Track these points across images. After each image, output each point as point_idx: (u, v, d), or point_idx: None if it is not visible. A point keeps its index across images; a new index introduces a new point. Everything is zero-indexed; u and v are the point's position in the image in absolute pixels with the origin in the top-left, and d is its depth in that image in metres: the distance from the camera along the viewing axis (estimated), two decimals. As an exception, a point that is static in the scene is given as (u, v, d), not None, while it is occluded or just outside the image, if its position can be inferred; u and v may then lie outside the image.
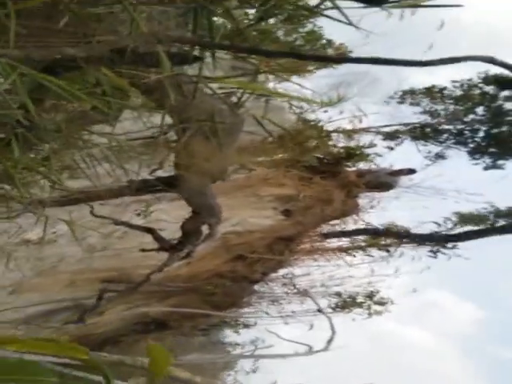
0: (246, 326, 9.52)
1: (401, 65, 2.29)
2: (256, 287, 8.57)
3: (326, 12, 2.31)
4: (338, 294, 8.78)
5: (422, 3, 2.40)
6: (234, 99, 2.82)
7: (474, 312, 13.18)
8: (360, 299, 8.87)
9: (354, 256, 8.77)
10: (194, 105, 2.69)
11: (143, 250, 4.22)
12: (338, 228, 8.68)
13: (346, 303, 8.79)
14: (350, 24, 2.26)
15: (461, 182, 8.89)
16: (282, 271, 8.56)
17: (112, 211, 4.65)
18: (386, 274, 8.55)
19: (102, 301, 4.32)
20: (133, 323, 7.01)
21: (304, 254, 8.19)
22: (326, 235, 8.37)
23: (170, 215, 5.14)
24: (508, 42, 9.26)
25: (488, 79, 8.62)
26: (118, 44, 1.72)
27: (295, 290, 8.36)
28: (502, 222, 9.23)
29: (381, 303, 8.89)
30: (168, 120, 2.82)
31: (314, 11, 2.36)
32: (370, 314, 8.89)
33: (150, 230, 4.09)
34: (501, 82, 8.13)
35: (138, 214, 5.08)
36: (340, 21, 2.24)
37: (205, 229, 4.01)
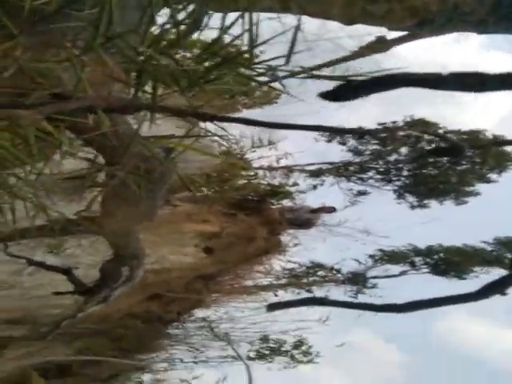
0: (157, 372, 9.41)
1: (341, 132, 2.61)
2: (171, 330, 8.60)
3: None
4: (262, 340, 8.96)
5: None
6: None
7: (397, 355, 13.88)
8: (284, 348, 9.10)
9: (277, 296, 9.07)
10: (127, 148, 2.87)
11: (57, 294, 4.22)
12: (261, 266, 8.95)
13: (269, 351, 8.99)
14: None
15: (384, 220, 9.53)
16: (200, 313, 8.68)
17: (23, 248, 4.62)
18: (311, 319, 8.86)
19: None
20: (32, 369, 6.81)
21: (224, 294, 8.37)
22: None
23: (87, 253, 5.17)
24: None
25: (411, 123, 9.41)
26: (60, 106, 1.91)
27: (213, 334, 8.48)
28: (421, 261, 9.95)
29: (305, 353, 9.16)
30: (99, 161, 2.98)
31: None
32: (293, 364, 9.13)
33: (65, 272, 4.12)
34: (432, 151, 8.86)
35: (51, 252, 5.05)
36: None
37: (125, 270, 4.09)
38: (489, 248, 9.49)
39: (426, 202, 9.95)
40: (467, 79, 3.62)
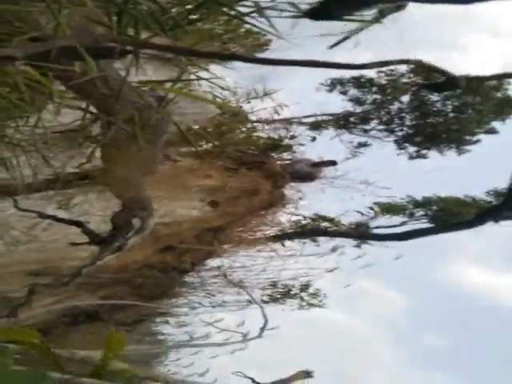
0: (178, 316, 9.53)
1: (334, 67, 2.41)
2: (187, 278, 8.63)
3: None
4: (273, 285, 8.96)
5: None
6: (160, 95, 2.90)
7: (400, 299, 13.91)
8: (294, 291, 9.06)
9: (284, 246, 9.01)
10: (120, 98, 2.74)
11: (73, 244, 4.18)
12: (267, 219, 8.83)
13: (280, 295, 9.00)
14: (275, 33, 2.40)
15: (387, 171, 9.26)
16: (214, 262, 8.67)
17: (34, 203, 4.56)
18: (319, 266, 8.81)
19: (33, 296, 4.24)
20: (61, 315, 6.91)
21: (234, 245, 8.33)
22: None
23: (95, 207, 5.11)
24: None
25: (415, 70, 8.85)
26: (44, 45, 1.77)
27: (228, 281, 8.48)
28: (420, 212, 9.75)
29: (313, 295, 9.16)
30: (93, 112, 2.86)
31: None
32: (303, 306, 9.15)
33: (77, 224, 4.07)
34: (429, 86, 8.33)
35: (60, 207, 4.97)
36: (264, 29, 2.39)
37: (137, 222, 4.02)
38: (488, 199, 9.24)
39: (427, 152, 9.60)
40: None
